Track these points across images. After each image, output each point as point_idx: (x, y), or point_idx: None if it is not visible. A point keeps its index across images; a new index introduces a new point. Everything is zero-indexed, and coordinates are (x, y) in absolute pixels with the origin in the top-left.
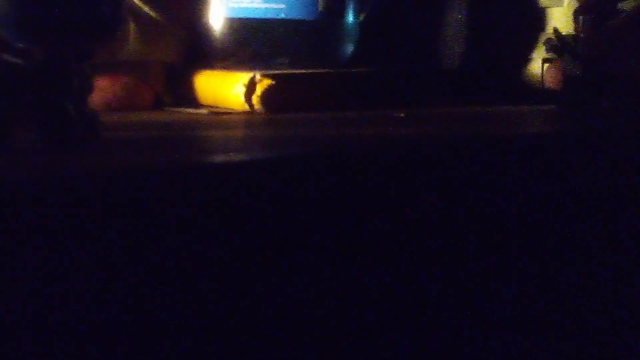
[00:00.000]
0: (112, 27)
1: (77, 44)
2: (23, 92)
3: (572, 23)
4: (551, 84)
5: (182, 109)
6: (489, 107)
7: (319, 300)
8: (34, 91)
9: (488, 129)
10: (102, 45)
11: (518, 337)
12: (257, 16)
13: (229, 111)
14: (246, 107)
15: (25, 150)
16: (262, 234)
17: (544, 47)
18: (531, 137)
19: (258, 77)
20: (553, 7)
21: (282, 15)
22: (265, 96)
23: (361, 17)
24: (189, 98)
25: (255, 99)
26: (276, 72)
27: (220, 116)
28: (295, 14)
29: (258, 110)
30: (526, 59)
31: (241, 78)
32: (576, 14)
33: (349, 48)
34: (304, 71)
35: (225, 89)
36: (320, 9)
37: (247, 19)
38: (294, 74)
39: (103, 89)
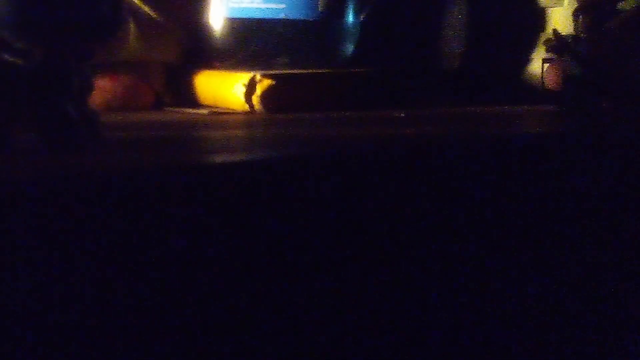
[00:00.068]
0: (112, 27)
1: (77, 44)
2: (23, 93)
3: (572, 23)
4: (551, 84)
5: (182, 109)
6: (489, 107)
7: (319, 300)
8: (34, 91)
9: (488, 129)
10: (102, 45)
11: (518, 337)
12: (257, 16)
13: (229, 111)
14: (246, 107)
15: (25, 150)
16: (262, 234)
17: (544, 47)
18: (531, 137)
19: (258, 77)
20: (553, 7)
21: (282, 15)
22: (265, 96)
23: (361, 17)
24: (189, 98)
25: (255, 99)
26: (276, 72)
27: (220, 116)
28: (295, 14)
29: (258, 110)
30: (526, 59)
31: (241, 78)
32: (576, 14)
33: (349, 48)
34: (304, 71)
35: (225, 89)
36: (320, 9)
37: (247, 19)
38: (294, 74)
39: (103, 89)
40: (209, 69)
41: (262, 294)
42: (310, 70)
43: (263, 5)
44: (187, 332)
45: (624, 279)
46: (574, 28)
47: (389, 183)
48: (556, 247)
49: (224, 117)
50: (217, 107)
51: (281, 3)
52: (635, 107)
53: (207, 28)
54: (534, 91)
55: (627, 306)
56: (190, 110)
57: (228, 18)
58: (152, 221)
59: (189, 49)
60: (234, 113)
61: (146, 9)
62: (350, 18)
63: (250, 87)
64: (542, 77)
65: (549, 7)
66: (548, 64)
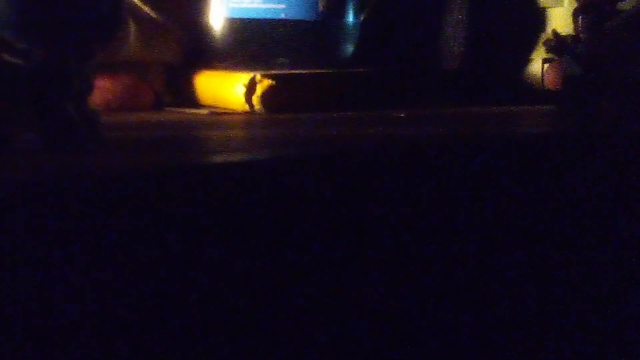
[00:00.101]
0: (112, 27)
1: (77, 44)
2: (23, 93)
3: (572, 23)
4: (551, 84)
5: (182, 109)
6: (489, 107)
7: (319, 300)
8: (34, 91)
9: (488, 129)
10: (102, 45)
11: (518, 337)
12: (257, 16)
13: (229, 111)
14: (246, 107)
15: (25, 150)
16: (262, 234)
17: (544, 47)
18: (531, 137)
19: (258, 77)
20: (553, 7)
21: (282, 15)
22: (265, 96)
23: (361, 17)
24: (189, 98)
25: (255, 99)
26: (276, 72)
27: (220, 116)
28: (295, 14)
29: (258, 110)
30: (526, 59)
31: (241, 78)
32: (576, 14)
33: (349, 48)
34: (304, 71)
35: (225, 89)
36: (320, 9)
37: (247, 19)
38: (294, 74)
39: (103, 89)
40: (209, 69)
41: (262, 293)
42: (310, 70)
43: (263, 5)
44: (187, 332)
45: (624, 279)
46: (574, 28)
47: (389, 183)
48: (556, 247)
49: (224, 117)
50: (217, 107)
51: (281, 3)
52: (635, 107)
53: (207, 28)
54: (534, 91)
55: (627, 306)
56: (190, 110)
57: (228, 18)
58: (152, 221)
59: (189, 49)
60: (234, 113)
61: (146, 9)
62: (350, 18)
63: (250, 87)
64: (542, 77)
65: (549, 7)
66: (548, 64)
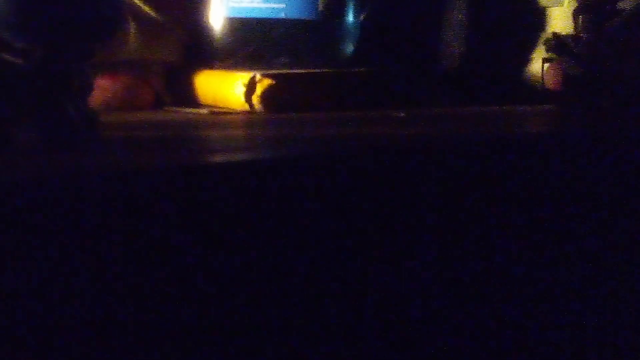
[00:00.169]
0: (112, 27)
1: (77, 44)
2: (23, 92)
3: (572, 23)
4: (551, 84)
5: (182, 109)
6: (489, 107)
7: (319, 300)
8: (34, 91)
9: (488, 129)
10: (102, 45)
11: (518, 336)
12: (257, 16)
13: (229, 111)
14: (246, 107)
15: (25, 150)
16: (262, 233)
17: (544, 47)
18: (531, 137)
19: (258, 77)
20: (553, 7)
21: (282, 15)
22: (265, 96)
23: (361, 17)
24: (189, 98)
25: (255, 99)
26: (276, 72)
27: (220, 116)
28: (295, 14)
29: (258, 110)
30: (526, 59)
31: (241, 78)
32: (576, 14)
33: (349, 48)
34: (304, 71)
35: (225, 89)
36: (320, 9)
37: (247, 18)
38: (294, 73)
39: (103, 89)
40: (209, 69)
41: (262, 293)
42: (310, 70)
43: (263, 5)
44: (187, 332)
45: (624, 279)
46: (574, 28)
47: (389, 183)
48: (556, 247)
49: (224, 117)
50: (217, 107)
51: (281, 3)
52: (635, 107)
53: (207, 28)
54: (534, 91)
55: (627, 306)
56: (190, 110)
57: (228, 18)
58: (152, 221)
59: (189, 49)
60: (234, 113)
61: (146, 9)
62: (350, 18)
63: (250, 87)
64: (542, 77)
65: (549, 7)
66: (548, 64)
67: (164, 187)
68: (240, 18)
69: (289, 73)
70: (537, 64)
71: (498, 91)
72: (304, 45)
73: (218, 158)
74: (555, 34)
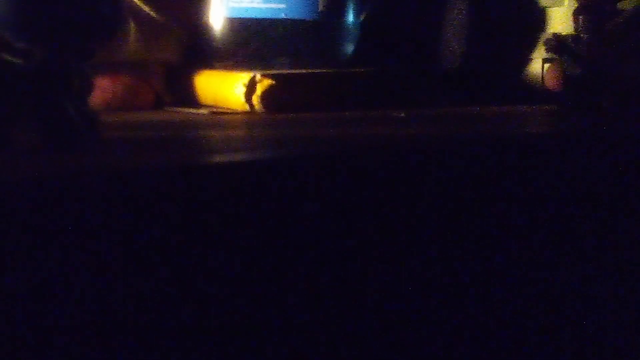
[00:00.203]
0: (112, 27)
1: (77, 44)
2: (23, 92)
3: (572, 23)
4: (551, 84)
5: (182, 109)
6: (489, 107)
7: (319, 300)
8: (34, 91)
9: (488, 129)
10: (102, 45)
11: (518, 336)
12: (257, 16)
13: (229, 111)
14: (246, 107)
15: (25, 150)
16: (262, 234)
17: (544, 47)
18: (531, 137)
19: (258, 77)
20: (553, 7)
21: (282, 15)
22: (265, 96)
23: (361, 17)
24: (189, 98)
25: (255, 99)
26: (276, 72)
27: (220, 116)
28: (295, 14)
29: (258, 110)
30: (526, 59)
31: (241, 78)
32: (576, 14)
33: (349, 48)
34: (304, 71)
35: (225, 89)
36: (320, 9)
37: (247, 19)
38: (294, 74)
39: (103, 89)
40: (209, 69)
41: (262, 293)
42: (310, 70)
43: (263, 5)
44: (187, 332)
45: (624, 279)
46: (574, 28)
47: (389, 183)
48: (556, 247)
49: (224, 117)
50: (217, 107)
51: (281, 3)
52: (635, 107)
53: (207, 28)
54: (534, 91)
55: (627, 306)
56: (190, 110)
57: (228, 18)
58: (152, 221)
59: (189, 49)
60: (234, 113)
61: (146, 9)
62: (350, 18)
63: (250, 87)
64: (542, 77)
65: (549, 7)
66: (548, 64)
67: (164, 187)
68: (240, 18)
69: (289, 73)
70: (537, 64)
71: (498, 91)
72: (304, 46)
73: (218, 158)
74: (555, 34)
